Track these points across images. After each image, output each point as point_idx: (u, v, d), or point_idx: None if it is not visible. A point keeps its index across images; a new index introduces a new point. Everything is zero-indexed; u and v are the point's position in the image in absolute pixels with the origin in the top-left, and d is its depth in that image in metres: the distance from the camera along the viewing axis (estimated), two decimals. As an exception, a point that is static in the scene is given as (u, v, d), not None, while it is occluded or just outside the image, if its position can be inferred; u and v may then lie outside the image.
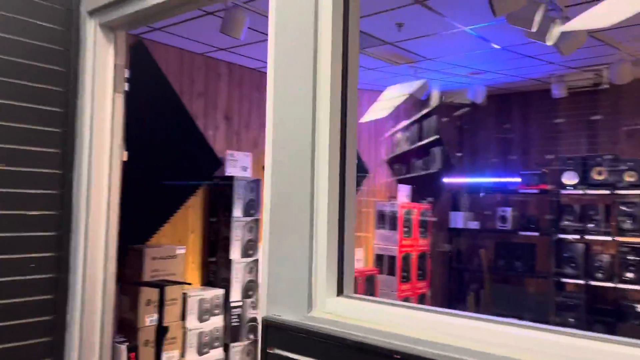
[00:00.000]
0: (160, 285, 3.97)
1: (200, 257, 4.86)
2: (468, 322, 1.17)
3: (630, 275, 5.78)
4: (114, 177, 2.15)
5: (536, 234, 6.43)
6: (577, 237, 6.14)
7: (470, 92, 5.80)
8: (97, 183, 2.12)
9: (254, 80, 5.31)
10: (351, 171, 1.43)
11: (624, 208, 5.88)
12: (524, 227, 6.52)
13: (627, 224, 5.85)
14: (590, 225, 6.06)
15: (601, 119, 6.46)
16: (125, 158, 2.21)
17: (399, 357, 1.14)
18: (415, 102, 7.08)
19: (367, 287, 5.96)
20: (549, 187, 6.37)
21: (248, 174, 5.02)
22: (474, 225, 6.92)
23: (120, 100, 2.16)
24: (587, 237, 6.08)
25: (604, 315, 5.88)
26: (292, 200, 1.42)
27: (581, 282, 6.05)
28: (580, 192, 6.12)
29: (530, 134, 7.01)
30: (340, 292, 1.40)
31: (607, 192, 5.96)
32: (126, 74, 2.20)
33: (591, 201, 6.19)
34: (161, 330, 3.76)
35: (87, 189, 2.11)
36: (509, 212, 6.63)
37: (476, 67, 5.36)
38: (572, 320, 6.00)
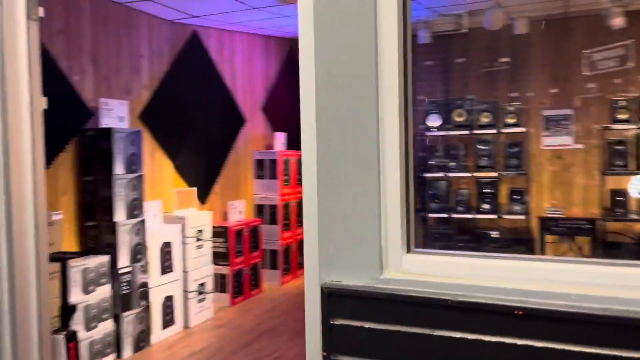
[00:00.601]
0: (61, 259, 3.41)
1: (75, 222, 4.25)
2: (571, 267, 1.12)
3: (486, 206, 6.44)
4: (37, 127, 1.68)
5: (405, 174, 6.80)
6: (441, 175, 6.63)
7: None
8: (16, 136, 1.64)
9: (121, 16, 4.63)
10: (411, 111, 1.27)
11: (480, 146, 6.47)
12: (393, 169, 6.85)
13: (483, 161, 6.46)
14: (452, 164, 6.58)
15: (458, 63, 6.94)
16: (45, 105, 1.73)
17: (520, 312, 1.05)
18: (284, 46, 6.88)
19: (252, 238, 5.81)
20: (415, 129, 6.73)
21: (125, 124, 4.45)
22: (346, 169, 7.08)
23: (35, 30, 1.66)
24: (450, 174, 6.60)
25: (466, 242, 6.51)
26: (351, 147, 1.21)
27: (445, 215, 6.60)
28: (444, 133, 6.58)
29: (395, 79, 7.28)
30: (408, 248, 1.25)
31: (467, 132, 6.49)
32: (40, -5, 1.69)
33: (453, 141, 6.69)
34: (68, 310, 3.23)
35: (4, 145, 1.62)
36: (379, 154, 6.88)
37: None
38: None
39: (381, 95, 1.19)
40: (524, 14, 5.86)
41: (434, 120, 6.58)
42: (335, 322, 1.21)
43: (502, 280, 1.11)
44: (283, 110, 6.91)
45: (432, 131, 6.57)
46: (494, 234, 6.43)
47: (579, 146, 6.45)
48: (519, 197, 6.39)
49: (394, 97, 1.18)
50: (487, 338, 1.08)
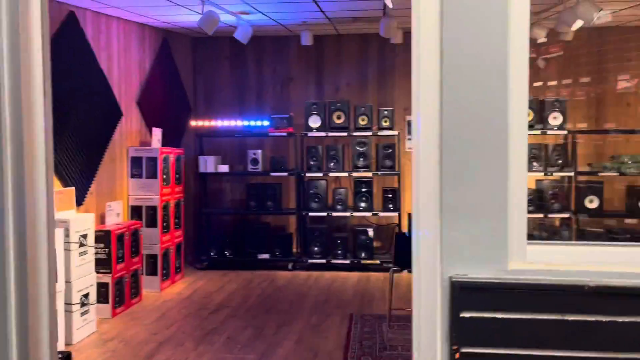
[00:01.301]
0: None
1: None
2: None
3: (363, 204, 6.76)
4: (48, 119, 1.36)
5: (285, 174, 6.84)
6: (321, 174, 6.81)
7: (238, 31, 5.63)
8: (30, 128, 1.31)
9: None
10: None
11: (357, 148, 6.77)
12: (274, 168, 6.84)
13: (360, 161, 6.77)
14: (331, 164, 6.79)
15: (333, 65, 7.18)
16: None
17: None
18: (158, 37, 6.47)
19: (133, 242, 5.35)
20: (296, 130, 6.80)
21: (2, 113, 3.79)
22: (224, 168, 6.89)
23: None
24: (329, 174, 6.81)
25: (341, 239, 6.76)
26: (479, 136, 1.22)
27: (324, 214, 6.78)
28: (323, 134, 6.76)
29: (273, 79, 7.29)
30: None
31: (345, 134, 6.75)
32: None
33: (332, 142, 6.91)
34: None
35: (17, 140, 1.28)
36: (259, 154, 6.82)
37: (254, 5, 5.20)
38: (318, 248, 6.71)
39: (511, 83, 1.22)
40: (401, 25, 6.26)
41: (314, 122, 6.72)
42: (465, 315, 1.20)
43: (632, 266, 1.21)
44: (158, 105, 6.48)
45: (312, 132, 6.70)
46: (370, 232, 6.77)
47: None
48: (391, 195, 6.83)
49: (523, 86, 1.22)
50: (620, 319, 1.17)
